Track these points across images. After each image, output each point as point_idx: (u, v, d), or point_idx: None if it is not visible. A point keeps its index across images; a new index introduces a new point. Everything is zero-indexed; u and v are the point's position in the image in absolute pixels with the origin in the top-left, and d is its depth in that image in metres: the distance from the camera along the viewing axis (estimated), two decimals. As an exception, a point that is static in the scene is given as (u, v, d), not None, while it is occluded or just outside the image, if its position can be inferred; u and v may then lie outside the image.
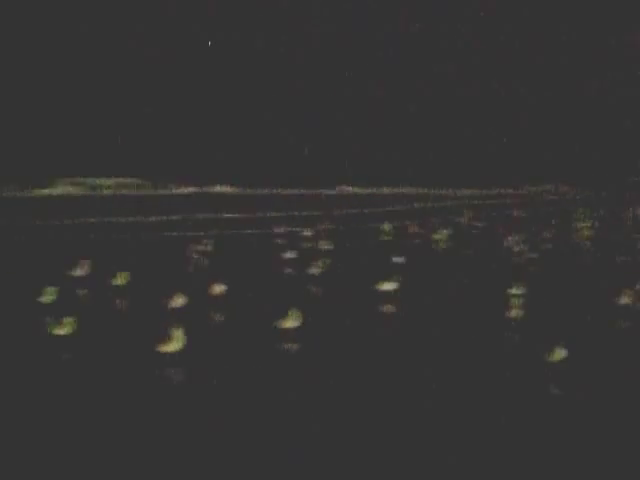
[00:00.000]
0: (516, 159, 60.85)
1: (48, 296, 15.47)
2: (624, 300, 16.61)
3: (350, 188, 60.37)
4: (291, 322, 13.70)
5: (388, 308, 16.43)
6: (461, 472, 8.08)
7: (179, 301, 15.36)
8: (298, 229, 31.24)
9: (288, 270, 21.35)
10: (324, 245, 26.48)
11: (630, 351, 13.06)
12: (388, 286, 17.62)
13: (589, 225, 41.76)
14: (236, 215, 37.85)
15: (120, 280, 17.65)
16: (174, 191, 51.10)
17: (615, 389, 10.91)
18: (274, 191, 53.61)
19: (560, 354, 11.51)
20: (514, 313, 15.08)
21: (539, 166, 60.68)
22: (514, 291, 17.10)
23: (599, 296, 17.84)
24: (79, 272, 18.61)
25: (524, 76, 62.92)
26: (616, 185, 60.35)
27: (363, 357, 12.40)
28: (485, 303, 16.86)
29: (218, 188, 52.93)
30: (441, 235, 32.43)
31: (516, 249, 27.71)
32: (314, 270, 20.41)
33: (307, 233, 30.91)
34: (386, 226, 37.02)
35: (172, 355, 11.94)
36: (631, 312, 16.17)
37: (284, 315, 13.75)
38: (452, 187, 58.30)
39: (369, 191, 62.13)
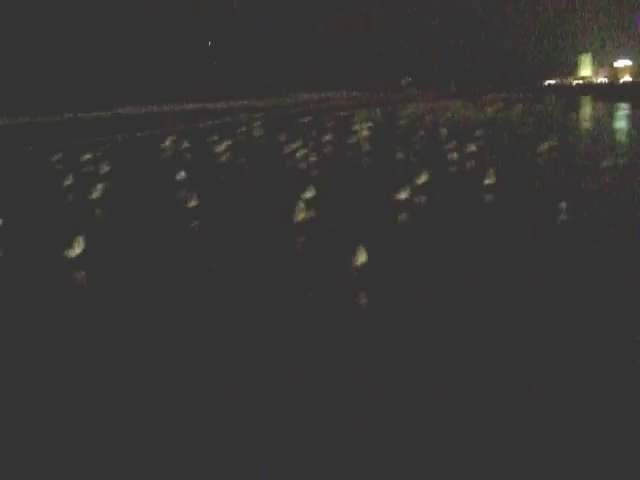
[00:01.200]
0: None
1: None
2: (403, 195, 17.32)
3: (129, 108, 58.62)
4: (77, 249, 13.18)
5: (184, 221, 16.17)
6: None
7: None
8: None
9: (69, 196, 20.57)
10: (105, 167, 25.61)
11: (413, 244, 13.59)
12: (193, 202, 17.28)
13: (368, 126, 43.03)
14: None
15: None
16: None
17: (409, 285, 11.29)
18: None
19: (360, 257, 11.59)
20: (303, 216, 15.26)
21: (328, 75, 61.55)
22: (301, 195, 17.28)
23: (381, 193, 18.46)
24: None
25: None
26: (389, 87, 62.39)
27: (161, 276, 12.13)
28: (276, 209, 16.97)
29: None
30: (222, 147, 32.37)
31: (299, 154, 28.08)
32: (96, 194, 19.77)
33: (87, 156, 29.87)
34: (168, 142, 36.58)
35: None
36: (410, 206, 16.88)
37: (69, 244, 13.19)
38: (235, 98, 57.90)
39: (146, 110, 60.49)
